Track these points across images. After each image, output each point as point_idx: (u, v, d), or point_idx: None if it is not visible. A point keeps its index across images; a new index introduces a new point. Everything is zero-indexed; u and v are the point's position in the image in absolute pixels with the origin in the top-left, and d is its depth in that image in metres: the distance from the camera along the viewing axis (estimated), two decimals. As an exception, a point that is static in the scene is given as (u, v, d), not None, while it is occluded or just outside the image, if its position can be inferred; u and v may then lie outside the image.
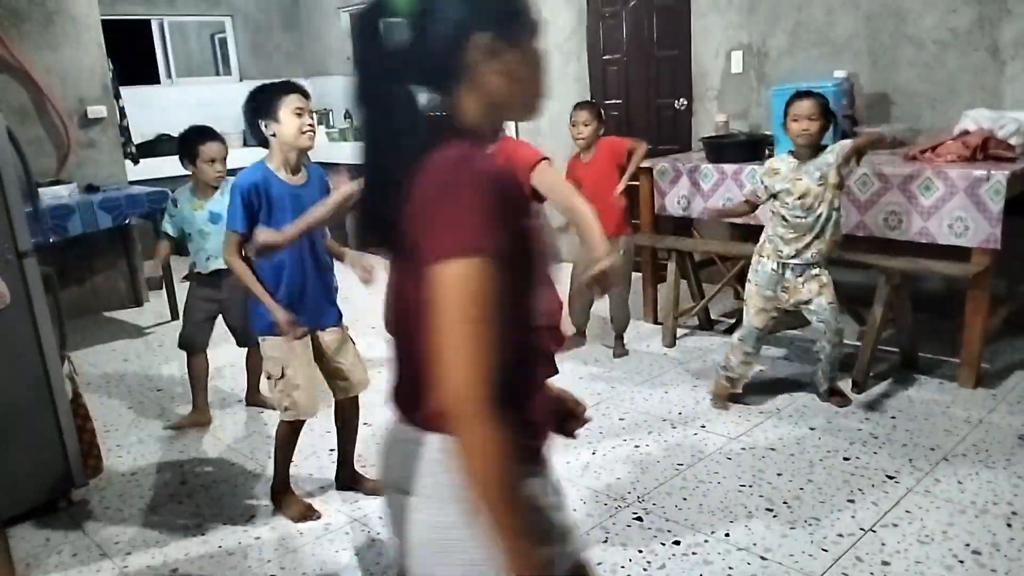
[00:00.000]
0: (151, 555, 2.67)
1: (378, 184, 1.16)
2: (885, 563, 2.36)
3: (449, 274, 1.01)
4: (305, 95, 2.65)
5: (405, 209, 1.08)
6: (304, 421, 2.82)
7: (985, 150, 3.49)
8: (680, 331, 4.46)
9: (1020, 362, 3.69)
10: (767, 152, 4.24)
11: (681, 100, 5.38)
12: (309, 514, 2.84)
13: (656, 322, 4.60)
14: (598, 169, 4.11)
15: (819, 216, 3.24)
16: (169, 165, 5.82)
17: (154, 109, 7.43)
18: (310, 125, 2.63)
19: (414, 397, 1.14)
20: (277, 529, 2.78)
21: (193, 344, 3.66)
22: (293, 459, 2.90)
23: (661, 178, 4.43)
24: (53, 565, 2.64)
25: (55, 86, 5.59)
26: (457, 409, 1.00)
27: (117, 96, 6.18)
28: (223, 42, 8.37)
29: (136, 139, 6.41)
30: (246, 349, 3.76)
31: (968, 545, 2.41)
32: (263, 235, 2.37)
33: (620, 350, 4.28)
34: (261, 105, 2.58)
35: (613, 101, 5.81)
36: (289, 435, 2.83)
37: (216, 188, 3.56)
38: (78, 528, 2.87)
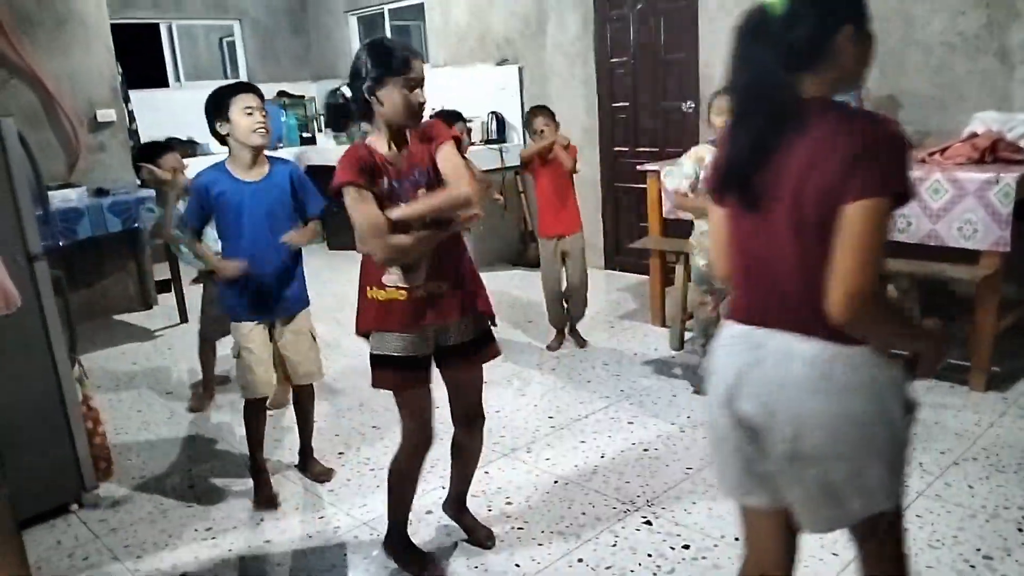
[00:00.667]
0: (161, 558, 2.68)
1: (747, 151, 1.47)
2: (896, 568, 2.35)
3: (872, 208, 1.33)
4: (257, 94, 2.77)
5: (783, 166, 1.42)
6: (264, 401, 2.98)
7: (994, 152, 3.48)
8: (688, 334, 4.44)
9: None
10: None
11: (688, 103, 5.38)
12: (268, 503, 2.95)
13: (664, 325, 4.59)
14: (557, 170, 4.28)
15: None
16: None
17: (163, 112, 7.45)
18: (260, 123, 2.71)
19: (801, 312, 1.44)
20: (287, 532, 2.78)
21: (206, 338, 3.90)
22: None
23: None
24: (64, 568, 2.65)
25: (65, 90, 5.62)
26: (864, 298, 1.35)
27: (126, 100, 6.21)
28: (231, 46, 8.41)
29: (144, 141, 6.44)
30: None
31: (979, 550, 2.41)
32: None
33: (580, 341, 4.49)
34: (215, 107, 2.72)
35: (620, 104, 5.82)
36: (251, 414, 2.98)
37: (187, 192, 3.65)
38: (89, 531, 2.88)
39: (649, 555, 2.50)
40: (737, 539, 2.53)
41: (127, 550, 2.74)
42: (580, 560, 2.50)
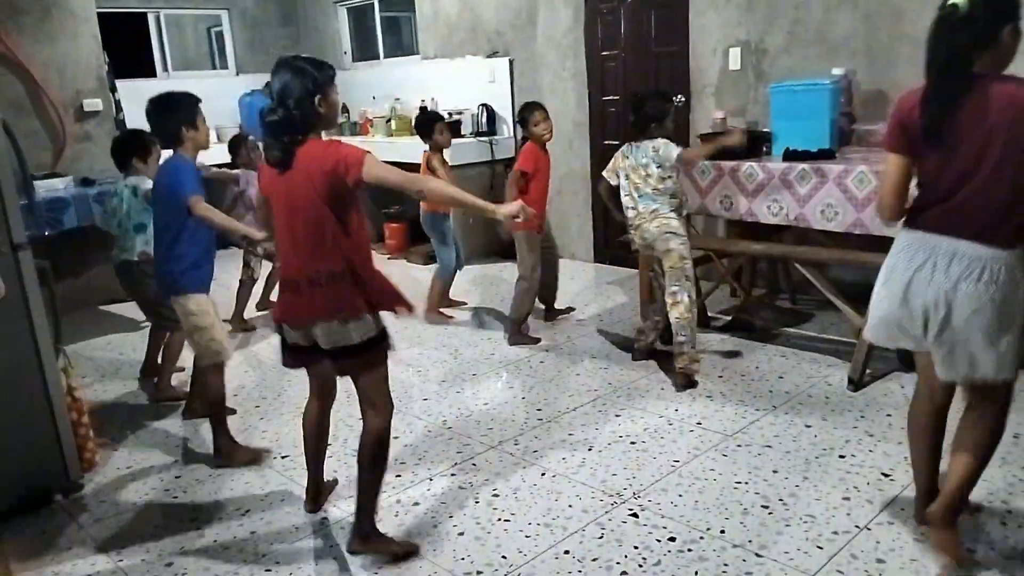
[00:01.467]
0: (146, 548, 2.66)
1: (939, 107, 2.09)
2: (880, 560, 2.37)
3: None
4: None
5: (969, 117, 2.04)
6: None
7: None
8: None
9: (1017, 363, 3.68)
10: (765, 149, 4.24)
11: (679, 96, 5.37)
12: (259, 458, 3.23)
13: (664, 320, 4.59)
14: (549, 165, 4.56)
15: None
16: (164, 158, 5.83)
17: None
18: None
19: (976, 222, 2.05)
20: (273, 524, 2.77)
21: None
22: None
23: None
24: (48, 559, 2.64)
25: (51, 79, 5.58)
26: None
27: (113, 89, 6.16)
28: (220, 36, 8.35)
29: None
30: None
31: (963, 543, 2.42)
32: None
33: (560, 313, 4.87)
34: (186, 113, 3.14)
35: (611, 97, 5.81)
36: (219, 379, 3.25)
37: None
38: (73, 521, 2.86)
39: (635, 547, 2.51)
40: (723, 531, 2.55)
41: (111, 540, 2.72)
42: (567, 552, 2.50)
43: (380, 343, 2.43)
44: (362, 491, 2.51)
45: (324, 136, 2.41)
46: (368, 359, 2.42)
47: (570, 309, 4.99)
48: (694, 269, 3.86)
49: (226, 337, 3.28)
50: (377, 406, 2.48)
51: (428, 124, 4.82)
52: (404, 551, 2.53)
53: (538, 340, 4.49)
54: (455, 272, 5.04)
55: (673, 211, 3.83)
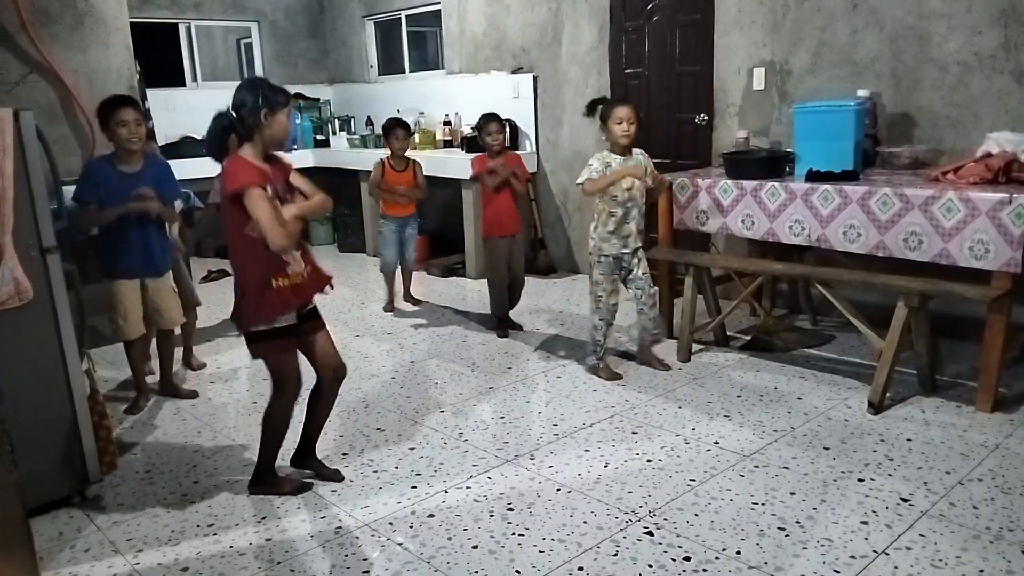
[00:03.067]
0: (163, 552, 2.69)
1: None
2: (898, 586, 2.34)
3: None
4: (135, 108, 3.61)
5: None
6: (136, 342, 3.83)
7: (1008, 173, 3.47)
8: (695, 347, 4.45)
9: (1039, 388, 3.65)
10: (787, 169, 4.23)
11: (702, 115, 5.38)
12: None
13: (672, 336, 4.58)
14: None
15: (636, 206, 3.98)
16: (192, 166, 5.91)
17: (179, 111, 7.52)
18: (133, 133, 3.56)
19: None
20: (288, 531, 2.79)
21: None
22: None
23: (680, 193, 4.43)
24: (66, 560, 2.66)
25: (83, 87, 5.67)
26: None
27: (143, 98, 6.25)
28: (248, 47, 8.47)
29: (161, 140, 6.49)
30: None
31: (982, 571, 2.39)
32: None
33: (514, 325, 5.03)
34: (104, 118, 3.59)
35: (620, 99, 5.81)
36: (130, 353, 3.90)
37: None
38: (91, 524, 2.89)
39: (650, 566, 2.50)
40: (739, 552, 2.53)
41: (129, 543, 2.75)
42: (580, 568, 2.49)
43: (256, 342, 2.83)
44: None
45: (251, 151, 2.73)
46: (252, 351, 2.87)
47: (517, 327, 5.07)
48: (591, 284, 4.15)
49: (127, 320, 3.78)
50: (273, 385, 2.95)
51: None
52: (294, 488, 3.02)
53: (518, 328, 4.98)
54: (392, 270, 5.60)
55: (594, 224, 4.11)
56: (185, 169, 6.06)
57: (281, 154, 2.90)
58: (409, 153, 5.48)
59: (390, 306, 5.65)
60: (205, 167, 3.91)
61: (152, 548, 2.72)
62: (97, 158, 3.80)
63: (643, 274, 4.06)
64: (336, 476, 3.13)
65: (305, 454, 3.18)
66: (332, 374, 3.01)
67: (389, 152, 5.34)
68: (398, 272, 5.64)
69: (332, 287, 2.97)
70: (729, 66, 5.13)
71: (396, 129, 5.26)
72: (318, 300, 3.00)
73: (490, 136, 4.78)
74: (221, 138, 2.73)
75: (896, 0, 4.31)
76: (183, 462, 3.38)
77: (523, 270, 5.01)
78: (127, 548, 2.72)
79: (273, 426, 3.00)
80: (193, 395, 4.07)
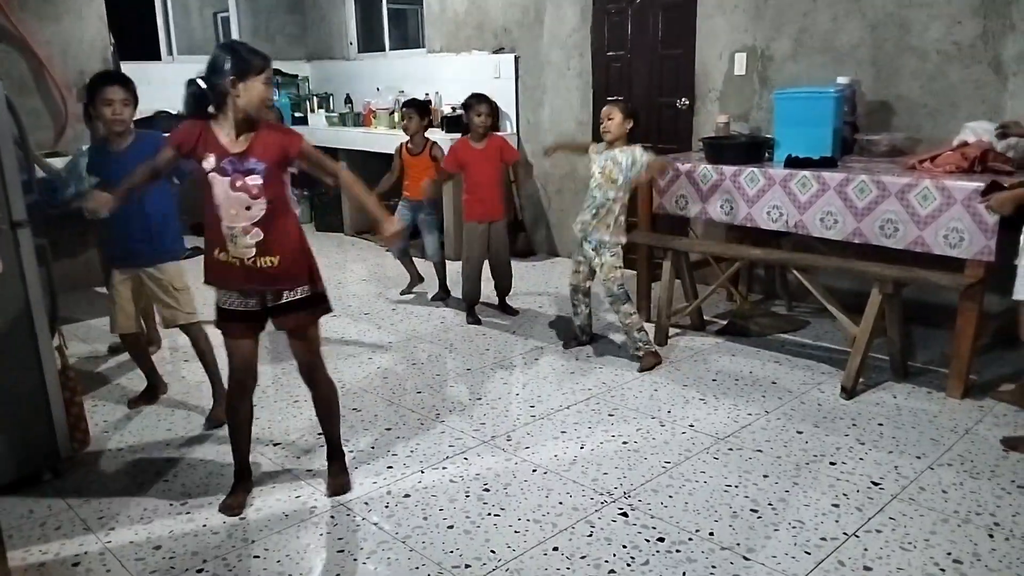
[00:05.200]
0: (135, 531, 2.66)
1: None
2: (867, 568, 2.37)
3: None
4: (123, 86, 3.27)
5: None
6: (128, 337, 3.55)
7: (984, 162, 3.50)
8: (672, 330, 4.47)
9: (1008, 375, 3.70)
10: (767, 155, 4.25)
11: (683, 99, 5.38)
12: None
13: (649, 320, 4.60)
14: (489, 159, 4.71)
15: (594, 199, 3.97)
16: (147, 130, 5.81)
17: (154, 85, 7.28)
18: (117, 113, 3.25)
19: None
20: (262, 511, 2.77)
21: None
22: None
23: (659, 177, 4.43)
24: (36, 538, 2.63)
25: (55, 58, 5.56)
26: None
27: (117, 70, 6.14)
28: (226, 21, 8.33)
29: (135, 115, 6.37)
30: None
31: (950, 554, 2.43)
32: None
33: (510, 310, 4.98)
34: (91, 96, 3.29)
35: (615, 97, 5.79)
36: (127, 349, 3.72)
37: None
38: (62, 501, 2.86)
39: (624, 546, 2.51)
40: (712, 534, 2.56)
41: (100, 522, 2.72)
42: (555, 549, 2.51)
43: (216, 314, 2.72)
44: None
45: (222, 121, 2.56)
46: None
47: (512, 311, 5.01)
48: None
49: (119, 312, 3.48)
50: None
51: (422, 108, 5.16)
52: (225, 505, 2.80)
53: (514, 313, 4.98)
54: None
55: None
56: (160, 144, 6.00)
57: (289, 127, 2.70)
58: (388, 132, 5.40)
59: (407, 289, 5.47)
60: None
61: (124, 526, 2.69)
62: (96, 141, 3.56)
63: (604, 279, 4.02)
64: (340, 489, 2.89)
65: (327, 454, 2.99)
66: (304, 380, 2.84)
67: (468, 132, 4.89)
68: (424, 261, 5.40)
69: (297, 291, 2.66)
70: (711, 51, 5.13)
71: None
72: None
73: (479, 117, 4.66)
74: (194, 106, 2.56)
75: (878, -12, 4.32)
76: (156, 439, 3.35)
77: (506, 256, 4.92)
78: (98, 526, 2.70)
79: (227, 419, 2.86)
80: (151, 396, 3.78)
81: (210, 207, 2.55)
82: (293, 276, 2.64)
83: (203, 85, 2.52)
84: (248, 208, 2.52)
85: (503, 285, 4.97)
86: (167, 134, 2.75)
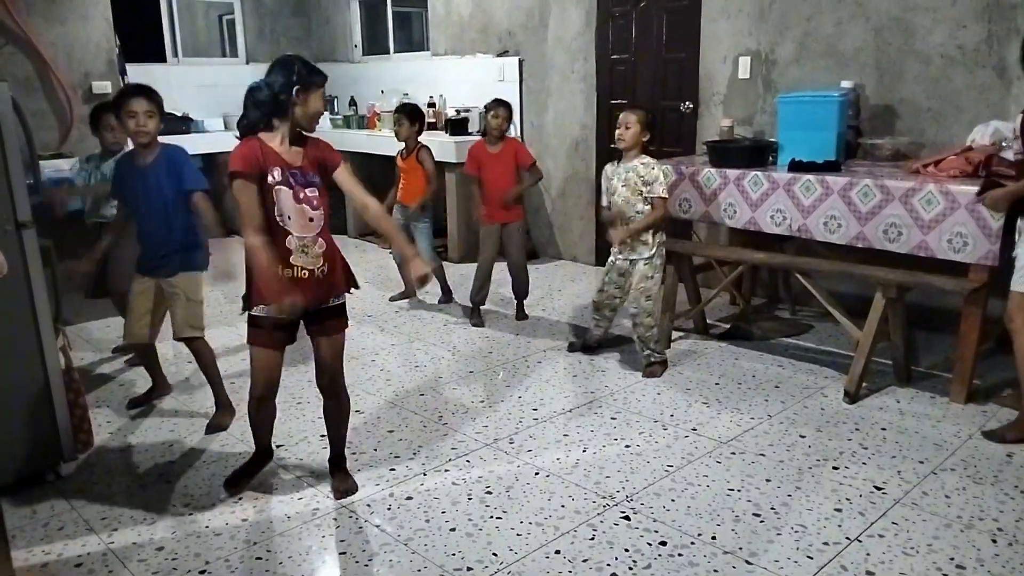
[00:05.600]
0: (137, 532, 2.67)
1: None
2: (870, 573, 2.37)
3: None
4: (148, 98, 3.27)
5: None
6: (142, 346, 3.56)
7: (987, 167, 3.49)
8: (675, 334, 4.47)
9: (1011, 380, 3.69)
10: (771, 159, 4.25)
11: (687, 103, 5.38)
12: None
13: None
14: (503, 162, 4.72)
15: (623, 215, 3.88)
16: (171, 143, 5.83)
17: (159, 88, 7.30)
18: (140, 125, 3.23)
19: None
20: (265, 512, 2.78)
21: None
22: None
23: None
24: (39, 538, 2.64)
25: (61, 60, 5.58)
26: None
27: (123, 72, 6.17)
28: (231, 24, 8.35)
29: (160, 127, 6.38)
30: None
31: (952, 559, 2.42)
32: None
33: (522, 315, 4.95)
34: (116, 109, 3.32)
35: (619, 101, 5.80)
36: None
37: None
38: (65, 502, 2.87)
39: (626, 550, 2.51)
40: (714, 538, 2.55)
41: (103, 523, 2.73)
42: (557, 552, 2.51)
43: (249, 325, 2.75)
44: None
45: (276, 132, 2.59)
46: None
47: (523, 316, 4.98)
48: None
49: (131, 321, 3.48)
50: None
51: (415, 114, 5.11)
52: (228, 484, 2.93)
53: (524, 318, 4.95)
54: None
55: None
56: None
57: (325, 144, 2.73)
58: (392, 134, 5.38)
59: (398, 296, 5.42)
60: (189, 145, 3.88)
61: (127, 527, 2.70)
62: (125, 152, 3.56)
63: (633, 288, 3.91)
64: (347, 491, 2.88)
65: (330, 459, 3.01)
66: (322, 387, 2.84)
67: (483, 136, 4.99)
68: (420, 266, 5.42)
69: (341, 296, 2.78)
70: (715, 54, 5.13)
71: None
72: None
73: (495, 119, 4.68)
74: (258, 113, 2.56)
75: (882, -8, 4.32)
76: (159, 441, 3.36)
77: (520, 259, 4.82)
78: (101, 527, 2.70)
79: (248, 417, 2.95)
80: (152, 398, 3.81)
81: (274, 221, 2.58)
82: (340, 282, 2.76)
83: (268, 92, 2.55)
84: (311, 220, 2.61)
85: (518, 288, 4.93)
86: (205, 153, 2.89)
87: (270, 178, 2.54)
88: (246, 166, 2.52)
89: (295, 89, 2.52)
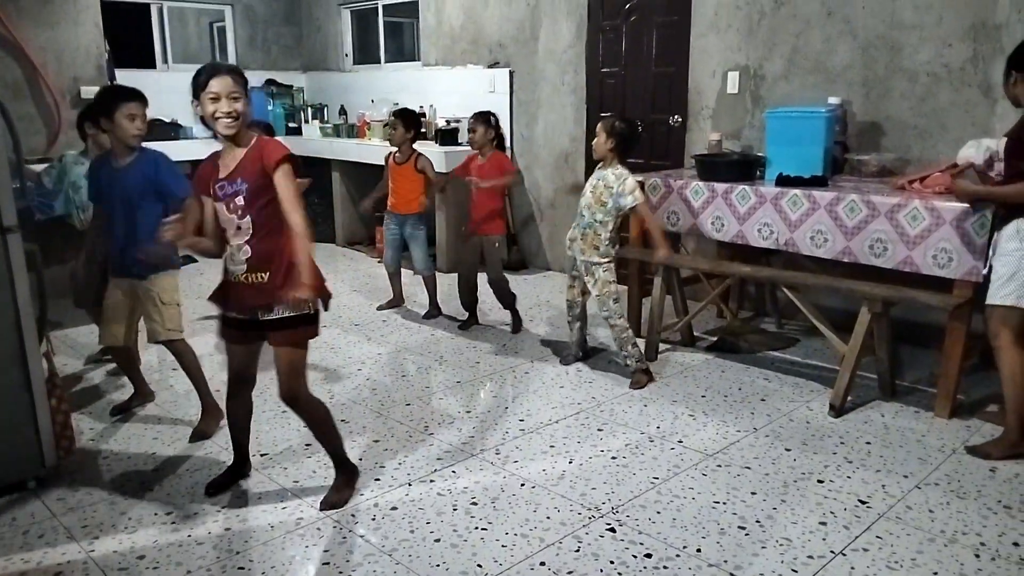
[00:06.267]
0: (119, 540, 2.64)
1: None
2: (853, 586, 2.37)
3: None
4: (143, 102, 3.29)
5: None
6: (118, 349, 3.56)
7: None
8: (663, 346, 4.48)
9: (995, 395, 3.71)
10: (758, 173, 4.27)
11: (676, 116, 5.41)
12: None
13: (639, 335, 4.60)
14: (487, 174, 4.73)
15: (582, 217, 3.97)
16: (160, 149, 5.81)
17: (148, 94, 7.30)
18: (140, 129, 3.27)
19: None
20: (248, 522, 2.76)
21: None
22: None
23: (652, 193, 4.44)
24: (18, 546, 2.61)
25: (50, 64, 5.55)
26: None
27: (111, 78, 6.15)
28: (222, 31, 8.34)
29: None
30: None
31: (936, 573, 2.43)
32: None
33: (515, 326, 4.93)
34: (100, 107, 3.29)
35: (608, 113, 5.82)
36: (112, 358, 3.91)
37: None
38: (46, 509, 2.84)
39: (611, 562, 2.51)
40: (699, 550, 2.55)
41: (84, 530, 2.70)
42: (542, 564, 2.50)
43: None
44: None
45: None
46: None
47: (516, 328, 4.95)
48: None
49: (106, 323, 3.51)
50: None
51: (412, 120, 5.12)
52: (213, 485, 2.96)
53: (518, 328, 4.93)
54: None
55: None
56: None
57: (279, 142, 2.63)
58: (382, 144, 5.38)
59: (385, 305, 5.43)
60: (177, 151, 3.87)
61: (108, 535, 2.67)
62: (99, 155, 3.60)
63: (598, 294, 3.98)
64: (330, 505, 2.84)
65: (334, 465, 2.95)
66: (284, 401, 2.75)
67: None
68: (411, 275, 5.39)
69: (286, 308, 2.61)
70: (704, 69, 5.17)
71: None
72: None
73: (472, 134, 4.78)
74: None
75: (870, 10, 4.37)
76: (142, 448, 3.33)
77: (496, 272, 4.78)
78: (82, 535, 2.67)
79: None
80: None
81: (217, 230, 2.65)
82: (283, 292, 2.56)
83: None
84: (239, 228, 2.58)
85: (499, 299, 4.91)
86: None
87: (212, 191, 2.60)
88: (195, 184, 2.68)
89: (191, 100, 2.56)
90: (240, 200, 2.56)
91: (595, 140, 3.93)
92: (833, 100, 4.42)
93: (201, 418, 3.48)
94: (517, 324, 4.93)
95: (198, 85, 2.52)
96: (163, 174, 3.30)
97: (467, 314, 5.01)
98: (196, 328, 4.82)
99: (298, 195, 2.58)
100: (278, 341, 2.67)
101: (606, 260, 3.97)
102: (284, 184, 2.54)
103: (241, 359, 2.81)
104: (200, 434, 3.41)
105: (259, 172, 2.54)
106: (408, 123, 5.02)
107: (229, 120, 2.52)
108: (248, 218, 2.56)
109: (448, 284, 5.67)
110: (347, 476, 2.93)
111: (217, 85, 2.49)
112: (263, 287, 2.60)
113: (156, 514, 2.81)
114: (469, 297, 4.93)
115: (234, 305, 2.68)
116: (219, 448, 3.32)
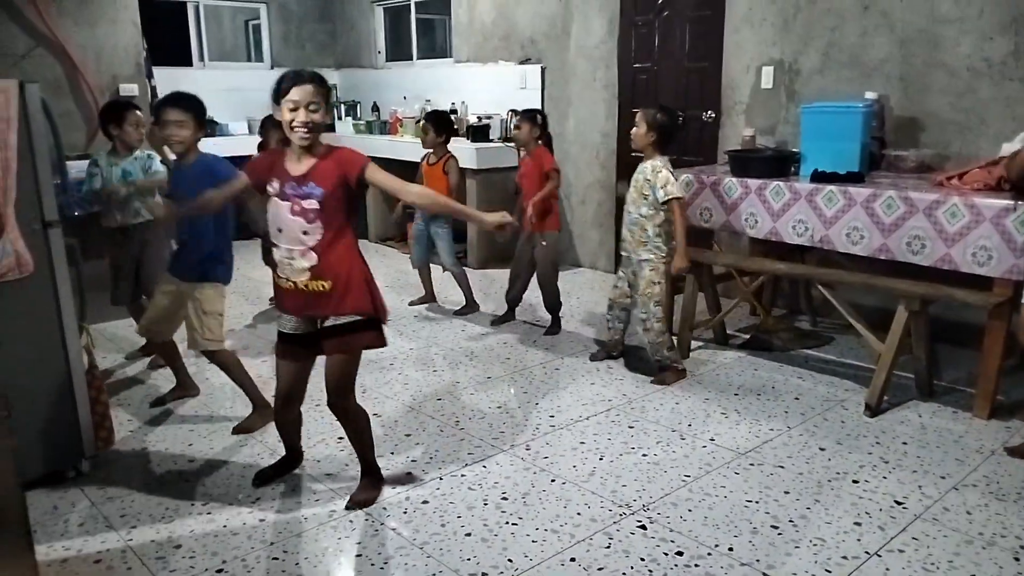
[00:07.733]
0: (156, 530, 2.69)
1: None
2: (888, 588, 2.34)
3: None
4: (184, 108, 3.30)
5: None
6: (159, 344, 3.74)
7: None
8: (694, 344, 4.45)
9: (1036, 396, 3.66)
10: (793, 169, 4.22)
11: (709, 112, 5.37)
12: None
13: (671, 333, 4.57)
14: (532, 170, 4.67)
15: (629, 214, 3.93)
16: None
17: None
18: (172, 134, 3.31)
19: None
20: (282, 512, 2.79)
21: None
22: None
23: (684, 189, 4.41)
24: (59, 534, 2.67)
25: (89, 62, 5.66)
26: None
27: (149, 76, 6.25)
28: (256, 29, 8.44)
29: (198, 136, 6.45)
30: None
31: (974, 576, 2.40)
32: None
33: (554, 328, 4.83)
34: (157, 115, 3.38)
35: (648, 108, 5.79)
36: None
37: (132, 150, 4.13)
38: (85, 499, 2.90)
39: (642, 559, 2.50)
40: (731, 549, 2.53)
41: (122, 519, 2.75)
42: (573, 560, 2.50)
43: None
44: None
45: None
46: None
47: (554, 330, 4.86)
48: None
49: (148, 319, 3.61)
50: None
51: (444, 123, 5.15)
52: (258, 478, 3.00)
53: (555, 330, 4.83)
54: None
55: None
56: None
57: (355, 150, 2.65)
58: (414, 140, 5.40)
59: (417, 301, 5.44)
60: (215, 148, 3.91)
61: (146, 524, 2.72)
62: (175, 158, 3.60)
63: (639, 294, 3.93)
64: (357, 504, 2.83)
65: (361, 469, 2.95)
66: (328, 404, 2.78)
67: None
68: (441, 272, 5.32)
69: (345, 316, 2.63)
70: (738, 63, 5.12)
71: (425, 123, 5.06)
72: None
73: (516, 131, 4.74)
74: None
75: (908, 3, 4.29)
76: (179, 441, 3.38)
77: (544, 271, 4.70)
78: (121, 524, 2.73)
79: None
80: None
81: (272, 230, 2.62)
82: (346, 301, 2.61)
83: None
84: (305, 233, 2.56)
85: (544, 300, 4.82)
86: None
87: (269, 188, 2.59)
88: (248, 171, 2.71)
89: (272, 103, 2.59)
90: (313, 204, 2.53)
91: (634, 130, 3.88)
92: (870, 95, 4.35)
93: (251, 414, 3.51)
94: (555, 328, 4.84)
95: (279, 91, 2.54)
96: (219, 177, 3.24)
97: (506, 308, 4.99)
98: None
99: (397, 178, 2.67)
100: (333, 348, 2.68)
101: (654, 258, 3.88)
102: (381, 177, 2.61)
103: (291, 377, 2.81)
104: (243, 429, 3.45)
105: (338, 182, 2.55)
106: (440, 126, 5.05)
107: (304, 131, 2.52)
108: (319, 223, 2.54)
109: (479, 280, 5.69)
110: (372, 477, 2.95)
111: (297, 94, 2.50)
112: (324, 295, 2.60)
113: (192, 504, 2.85)
114: (515, 293, 4.91)
115: (291, 310, 2.70)
116: (255, 441, 3.36)
